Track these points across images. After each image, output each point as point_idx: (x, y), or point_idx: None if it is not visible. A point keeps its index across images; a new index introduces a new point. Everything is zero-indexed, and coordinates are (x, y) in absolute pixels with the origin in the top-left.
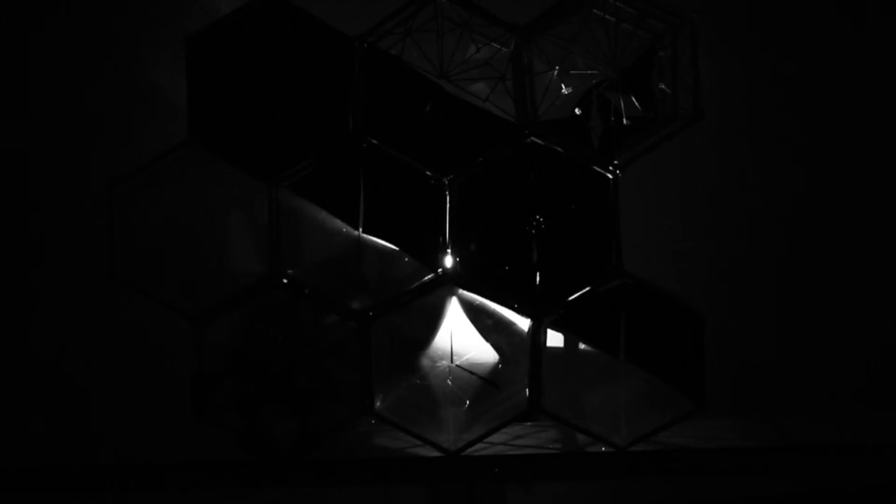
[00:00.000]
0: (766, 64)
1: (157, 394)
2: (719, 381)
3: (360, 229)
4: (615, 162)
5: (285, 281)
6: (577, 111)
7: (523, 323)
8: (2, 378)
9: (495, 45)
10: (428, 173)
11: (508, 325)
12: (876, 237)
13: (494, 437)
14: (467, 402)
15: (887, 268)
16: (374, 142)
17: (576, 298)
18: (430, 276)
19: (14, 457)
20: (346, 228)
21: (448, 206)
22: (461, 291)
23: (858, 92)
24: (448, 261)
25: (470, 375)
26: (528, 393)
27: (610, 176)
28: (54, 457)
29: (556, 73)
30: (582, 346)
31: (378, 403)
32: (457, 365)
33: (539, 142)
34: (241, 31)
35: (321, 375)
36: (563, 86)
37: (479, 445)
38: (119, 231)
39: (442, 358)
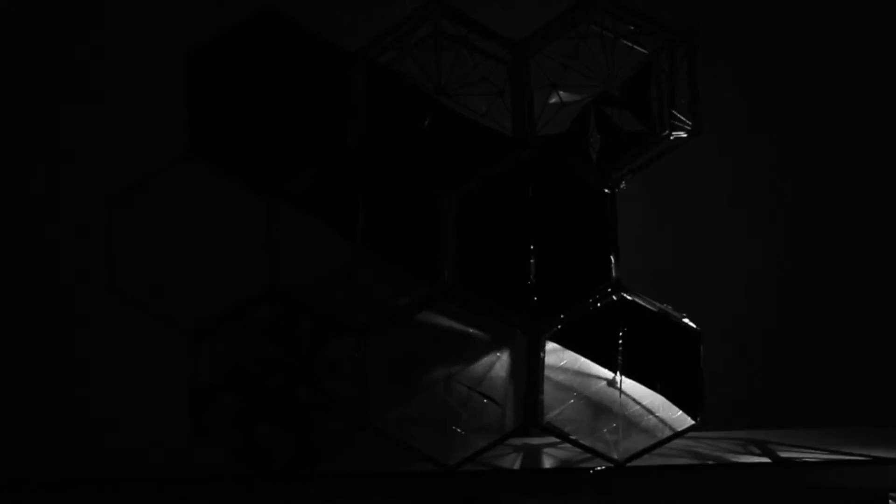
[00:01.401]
0: (764, 77)
1: (155, 408)
2: (718, 396)
3: (359, 243)
4: (613, 177)
5: (283, 295)
6: (574, 126)
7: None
8: (1, 392)
9: (493, 60)
10: (426, 187)
11: None
12: (877, 251)
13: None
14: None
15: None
16: (373, 156)
17: (574, 314)
18: (427, 291)
19: (11, 470)
20: (345, 242)
21: (446, 220)
22: None
23: (859, 101)
24: (446, 275)
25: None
26: (526, 408)
27: (607, 191)
28: (52, 471)
29: (553, 88)
30: (580, 361)
31: (376, 418)
32: (456, 381)
33: (537, 157)
34: (241, 46)
35: (319, 390)
36: (561, 101)
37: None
38: (118, 244)
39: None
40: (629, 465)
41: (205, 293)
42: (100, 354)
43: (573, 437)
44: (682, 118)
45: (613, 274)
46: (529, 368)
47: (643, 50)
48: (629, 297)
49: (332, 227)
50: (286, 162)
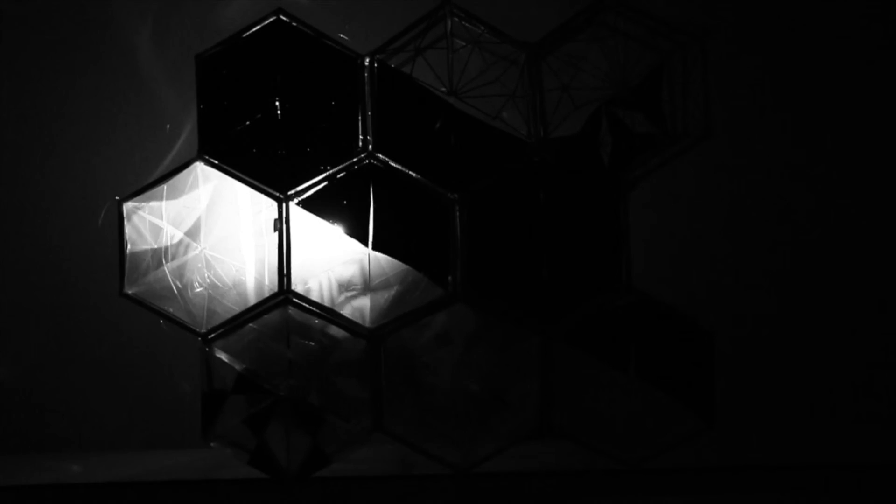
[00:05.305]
0: (775, 81)
1: (166, 412)
2: (730, 398)
3: (370, 245)
4: (625, 179)
5: (294, 299)
6: (586, 128)
7: None
8: (7, 394)
9: (506, 62)
10: (437, 190)
11: None
12: (887, 254)
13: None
14: None
15: None
16: (384, 158)
17: (585, 315)
18: (439, 293)
19: (16, 476)
20: (356, 244)
21: (457, 222)
22: None
23: (867, 108)
24: (457, 277)
25: None
26: (539, 410)
27: (619, 193)
28: (60, 475)
29: (565, 90)
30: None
31: (388, 420)
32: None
33: (548, 159)
34: (250, 49)
35: (331, 393)
36: (573, 103)
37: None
38: (128, 248)
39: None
40: (643, 466)
41: (215, 295)
42: (110, 358)
43: (584, 440)
44: (694, 120)
45: (625, 276)
46: (541, 370)
47: (656, 51)
48: (641, 299)
49: (342, 229)
50: (297, 164)
